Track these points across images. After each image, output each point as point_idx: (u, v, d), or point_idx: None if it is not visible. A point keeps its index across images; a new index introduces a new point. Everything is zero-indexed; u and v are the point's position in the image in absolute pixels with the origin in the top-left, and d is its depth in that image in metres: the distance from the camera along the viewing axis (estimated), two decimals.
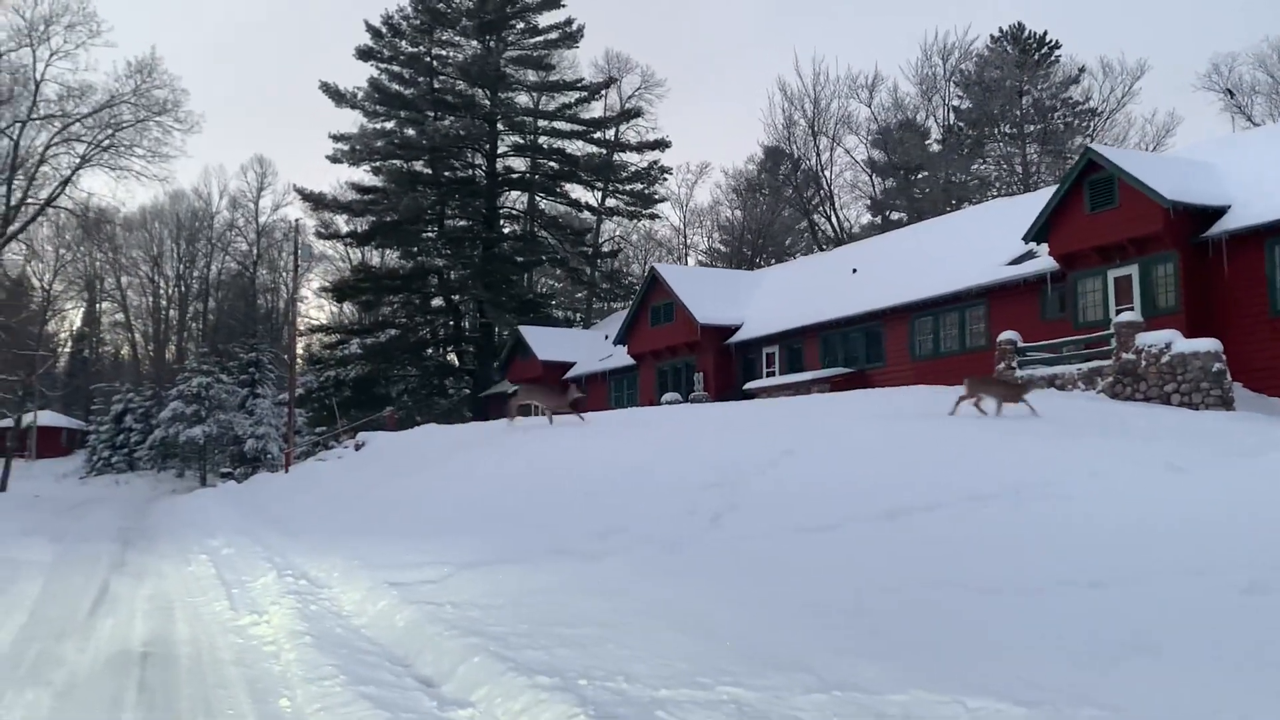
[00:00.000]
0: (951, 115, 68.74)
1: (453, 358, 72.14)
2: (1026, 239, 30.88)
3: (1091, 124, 63.38)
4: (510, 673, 8.38)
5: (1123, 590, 9.76)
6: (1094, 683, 7.75)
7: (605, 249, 73.99)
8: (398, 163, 67.25)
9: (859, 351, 37.26)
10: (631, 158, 71.11)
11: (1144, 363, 24.96)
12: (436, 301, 69.44)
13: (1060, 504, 12.75)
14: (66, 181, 44.68)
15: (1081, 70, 65.23)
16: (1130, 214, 28.03)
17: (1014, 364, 28.41)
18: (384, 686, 8.54)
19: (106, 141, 44.69)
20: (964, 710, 7.28)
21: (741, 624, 9.60)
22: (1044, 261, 30.89)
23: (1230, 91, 50.09)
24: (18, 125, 43.51)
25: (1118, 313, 27.62)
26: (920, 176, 67.50)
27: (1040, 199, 34.12)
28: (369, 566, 13.77)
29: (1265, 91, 51.53)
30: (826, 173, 71.23)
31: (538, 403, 27.85)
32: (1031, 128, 63.78)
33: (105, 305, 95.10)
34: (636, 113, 72.83)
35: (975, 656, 8.38)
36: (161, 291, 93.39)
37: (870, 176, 70.80)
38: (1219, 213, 27.20)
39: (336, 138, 67.42)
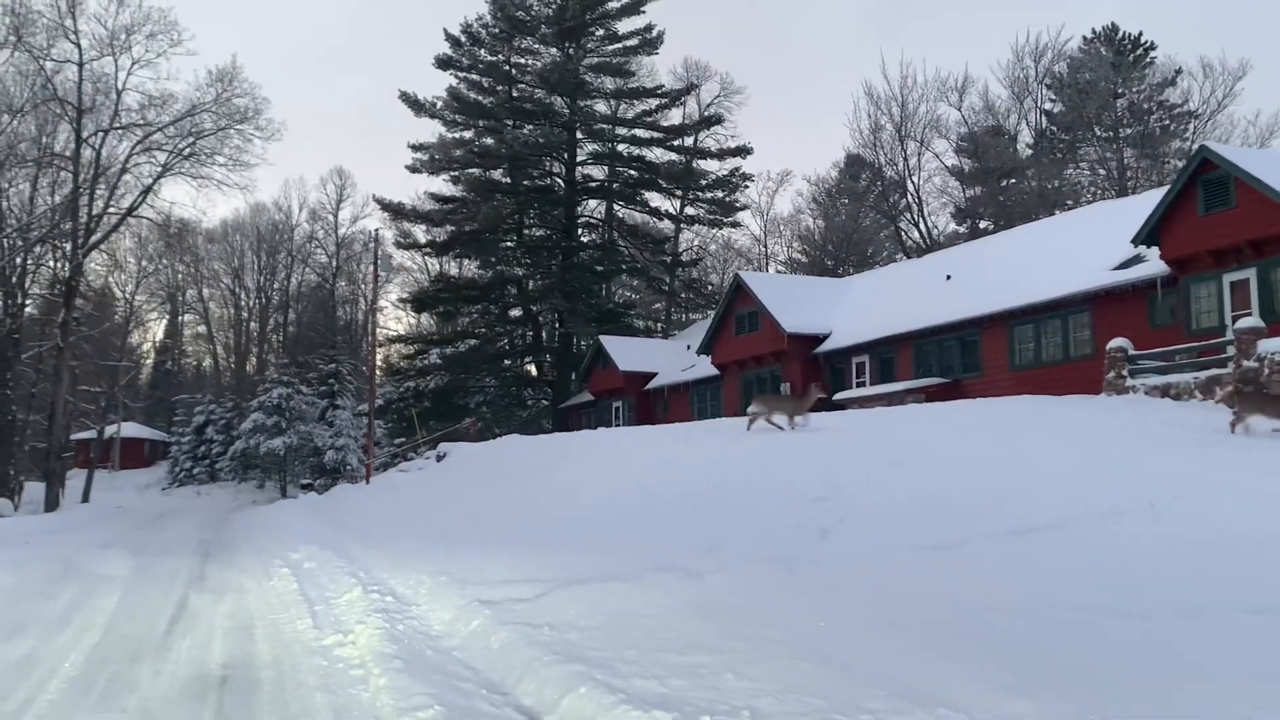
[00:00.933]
0: (1044, 119, 66.94)
1: (532, 368, 71.69)
2: (1135, 242, 29.45)
3: (1190, 126, 61.26)
4: (623, 706, 7.55)
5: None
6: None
7: (685, 258, 73.08)
8: (476, 171, 66.98)
9: (954, 361, 35.93)
10: (711, 165, 70.17)
11: (1267, 370, 23.56)
12: (515, 312, 69.02)
13: (1203, 520, 11.63)
14: (148, 190, 44.60)
15: (1178, 72, 63.15)
16: (1248, 215, 26.56)
17: (1124, 372, 27.10)
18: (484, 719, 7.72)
19: (187, 150, 44.52)
20: None
21: (870, 651, 8.72)
22: (1153, 266, 29.43)
23: None
24: (100, 134, 43.54)
25: (1235, 319, 26.21)
26: (1010, 183, 65.70)
27: (1145, 202, 32.67)
28: (457, 582, 13.04)
29: None
30: (914, 178, 69.72)
31: (778, 410, 25.86)
32: (1127, 131, 61.82)
33: (187, 317, 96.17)
34: (716, 120, 71.93)
35: (1138, 691, 7.54)
36: (242, 304, 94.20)
37: (960, 184, 69.10)
38: None
39: (415, 147, 67.33)
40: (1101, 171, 62.84)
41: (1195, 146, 36.96)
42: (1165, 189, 30.56)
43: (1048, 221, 42.73)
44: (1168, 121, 62.77)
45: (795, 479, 15.98)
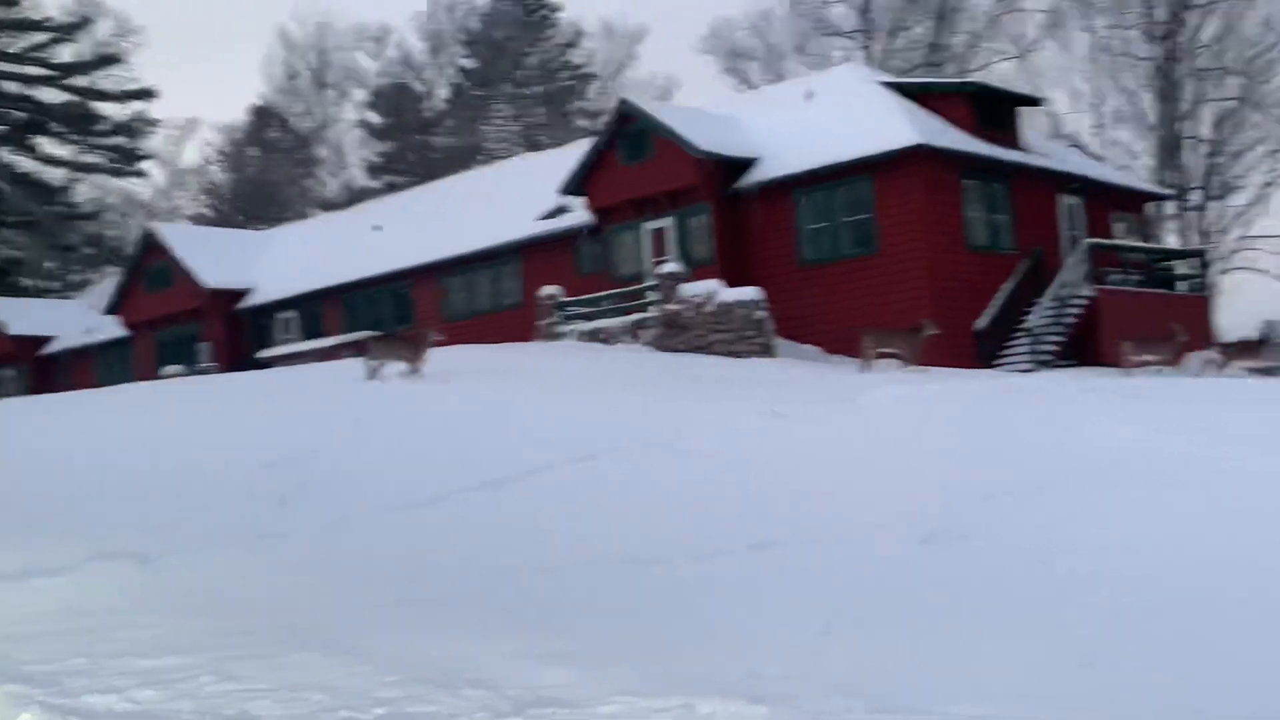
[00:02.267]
0: (459, 74, 67.91)
1: None
2: (563, 192, 30.41)
3: (592, 86, 64.80)
4: None
5: (791, 551, 8.88)
6: (816, 664, 6.73)
7: (84, 210, 67.01)
8: None
9: (387, 313, 35.39)
10: (111, 109, 64.77)
11: (689, 313, 25.09)
12: None
13: (688, 461, 11.75)
14: None
15: (580, 33, 66.56)
16: (665, 166, 28.14)
17: (556, 319, 27.82)
18: None
19: None
20: (694, 716, 5.92)
21: (376, 631, 7.83)
22: (579, 215, 30.59)
23: (737, 53, 52.77)
24: None
25: (656, 265, 27.67)
26: (423, 138, 66.27)
27: (569, 154, 33.78)
28: None
29: (759, 56, 54.59)
30: (331, 129, 68.29)
31: (395, 359, 21.52)
32: (537, 89, 64.21)
33: None
34: (114, 59, 66.12)
35: (676, 643, 7.21)
36: None
37: (373, 138, 68.69)
38: (748, 164, 27.83)
39: None
40: (514, 128, 64.90)
41: (598, 106, 38.88)
42: (591, 140, 31.72)
43: (476, 173, 43.38)
44: (572, 81, 65.99)
45: (241, 444, 14.55)
